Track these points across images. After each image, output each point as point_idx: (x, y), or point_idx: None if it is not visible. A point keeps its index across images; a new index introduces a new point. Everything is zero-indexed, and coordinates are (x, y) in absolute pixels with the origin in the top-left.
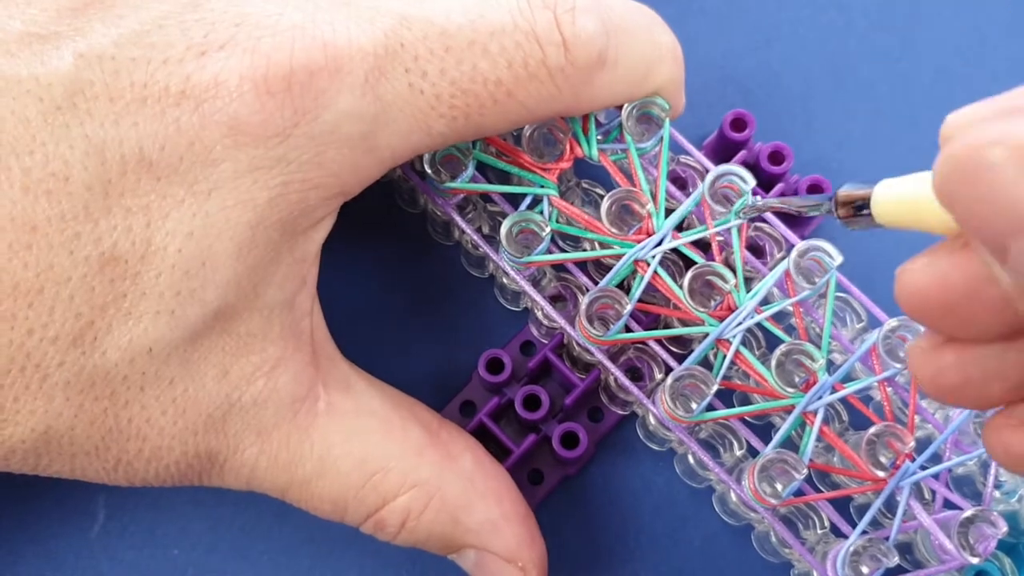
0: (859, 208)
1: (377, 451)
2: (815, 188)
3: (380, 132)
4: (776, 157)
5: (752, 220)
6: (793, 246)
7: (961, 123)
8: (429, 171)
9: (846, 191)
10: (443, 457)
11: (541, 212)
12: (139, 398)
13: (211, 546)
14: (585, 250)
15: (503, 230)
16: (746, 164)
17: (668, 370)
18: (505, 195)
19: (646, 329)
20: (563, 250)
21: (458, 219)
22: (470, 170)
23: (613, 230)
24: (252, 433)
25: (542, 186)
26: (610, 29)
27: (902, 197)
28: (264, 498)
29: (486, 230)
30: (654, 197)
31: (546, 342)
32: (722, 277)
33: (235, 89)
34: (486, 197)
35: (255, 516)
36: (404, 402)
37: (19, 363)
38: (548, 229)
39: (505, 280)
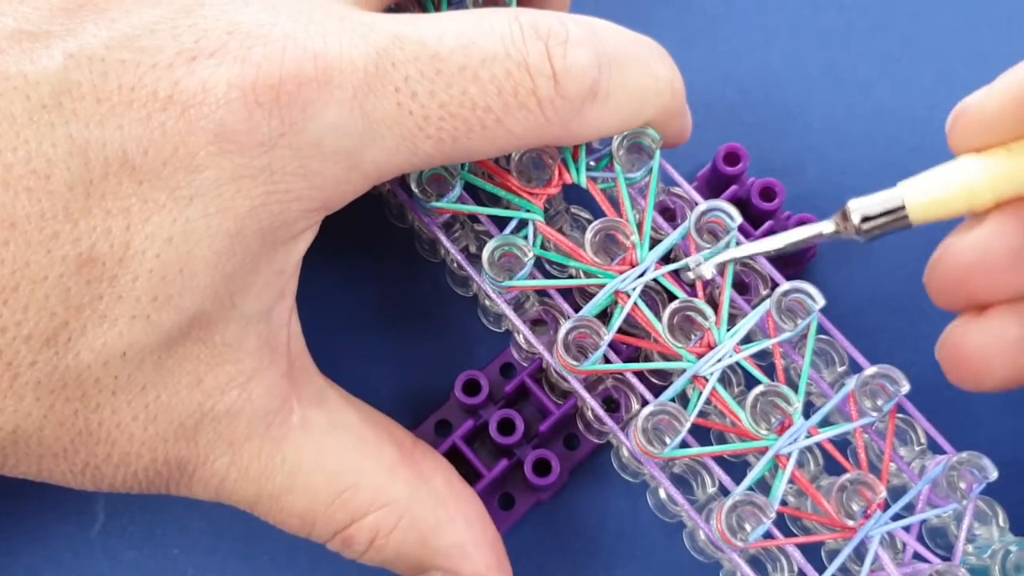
0: (886, 216)
1: (349, 468)
2: (767, 192)
3: (366, 149)
4: (767, 193)
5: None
6: (778, 285)
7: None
8: (416, 191)
9: (862, 204)
10: (415, 477)
11: (525, 236)
12: (110, 402)
13: (211, 546)
14: (570, 276)
15: (485, 254)
16: (738, 199)
17: (645, 402)
18: (492, 217)
19: (626, 360)
20: (549, 275)
21: (443, 238)
22: (457, 190)
23: (596, 259)
24: (224, 443)
25: (528, 210)
26: (603, 62)
27: (935, 192)
28: None
29: (473, 249)
30: (640, 228)
31: (525, 365)
32: (702, 313)
33: (223, 96)
34: (474, 217)
35: (255, 516)
36: (379, 420)
37: None
38: (531, 254)
39: (487, 302)
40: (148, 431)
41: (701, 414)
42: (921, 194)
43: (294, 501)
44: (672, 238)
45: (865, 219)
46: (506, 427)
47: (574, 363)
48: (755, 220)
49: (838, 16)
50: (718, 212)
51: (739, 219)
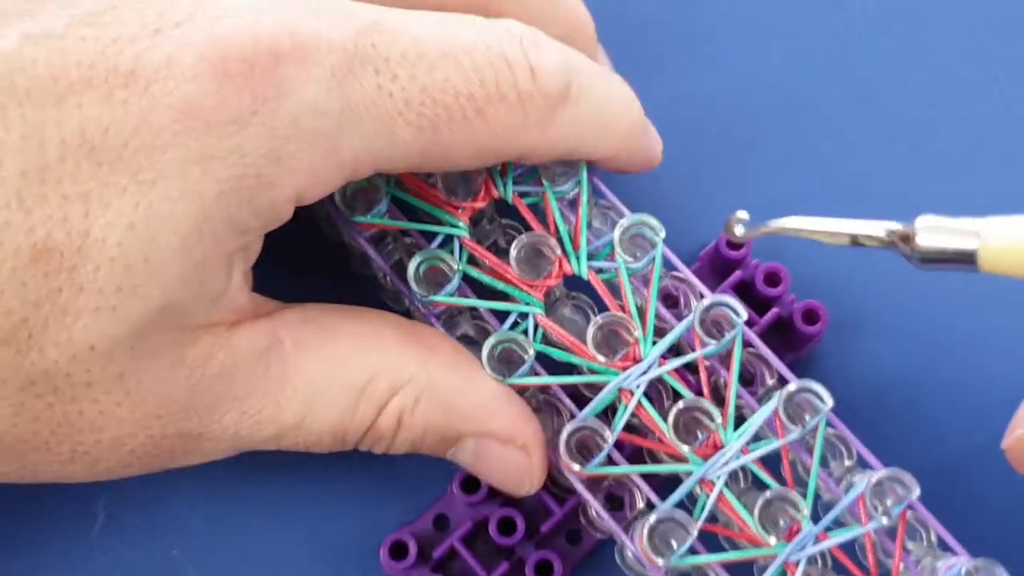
0: (953, 252)
1: (358, 367)
2: (811, 315)
3: (343, 132)
4: (772, 278)
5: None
6: (783, 378)
7: None
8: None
9: (932, 225)
10: (424, 350)
11: (525, 331)
12: (87, 393)
13: (211, 546)
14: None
15: (485, 350)
16: (742, 283)
17: (649, 501)
18: (493, 312)
19: (629, 456)
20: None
21: (438, 326)
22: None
23: (599, 357)
24: (226, 400)
25: (528, 303)
26: (571, 67)
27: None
28: (264, 498)
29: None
30: (643, 322)
31: None
32: (709, 415)
33: (189, 69)
34: (474, 310)
35: (255, 516)
36: (368, 312)
37: None
38: (532, 352)
39: None
40: (136, 413)
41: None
42: (1005, 239)
43: (319, 420)
44: (676, 332)
45: (927, 250)
46: (507, 527)
47: (578, 467)
48: (759, 306)
49: (838, 16)
50: (723, 307)
51: (745, 315)
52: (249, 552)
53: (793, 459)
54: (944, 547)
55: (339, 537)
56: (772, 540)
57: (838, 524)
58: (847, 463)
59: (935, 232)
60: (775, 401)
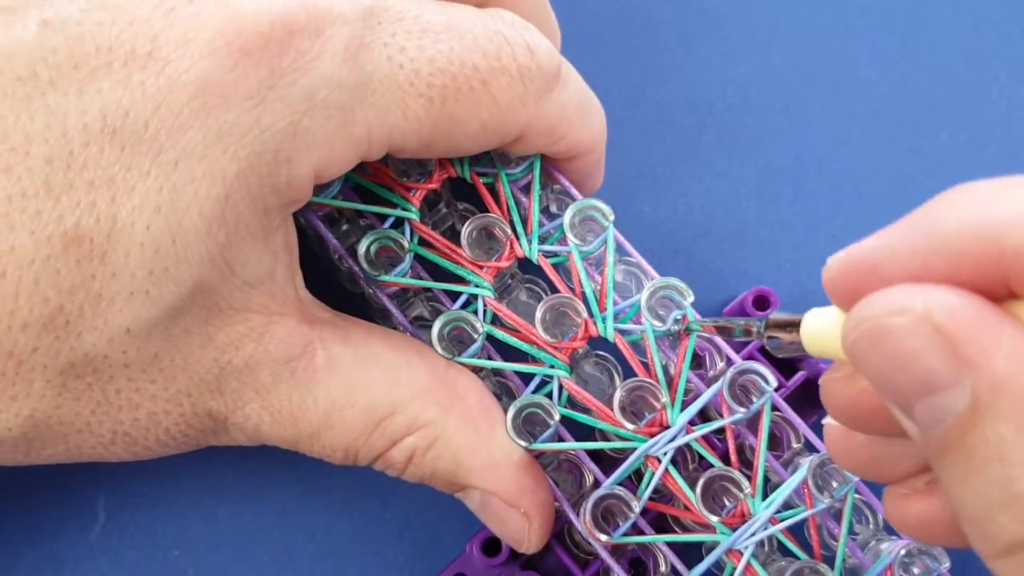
0: (789, 338)
1: (382, 399)
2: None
3: (358, 105)
4: None
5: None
6: (808, 441)
7: (839, 268)
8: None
9: (776, 317)
10: (448, 398)
11: (549, 394)
12: (124, 373)
13: (211, 546)
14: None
15: (509, 414)
16: None
17: (673, 568)
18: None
19: (650, 519)
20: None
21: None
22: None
23: (627, 424)
24: (250, 391)
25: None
26: (559, 54)
27: (827, 331)
28: (264, 498)
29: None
30: (671, 388)
31: None
32: (738, 485)
33: (206, 46)
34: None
35: (255, 516)
36: (409, 345)
37: None
38: (558, 417)
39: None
40: (169, 390)
41: None
42: (818, 324)
43: (334, 437)
44: (703, 399)
45: (770, 336)
46: None
47: (605, 537)
48: (785, 367)
49: (838, 16)
50: (753, 374)
51: (774, 382)
52: (249, 552)
53: (820, 525)
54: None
55: (341, 536)
56: None
57: None
58: (871, 528)
59: (776, 320)
60: (804, 470)
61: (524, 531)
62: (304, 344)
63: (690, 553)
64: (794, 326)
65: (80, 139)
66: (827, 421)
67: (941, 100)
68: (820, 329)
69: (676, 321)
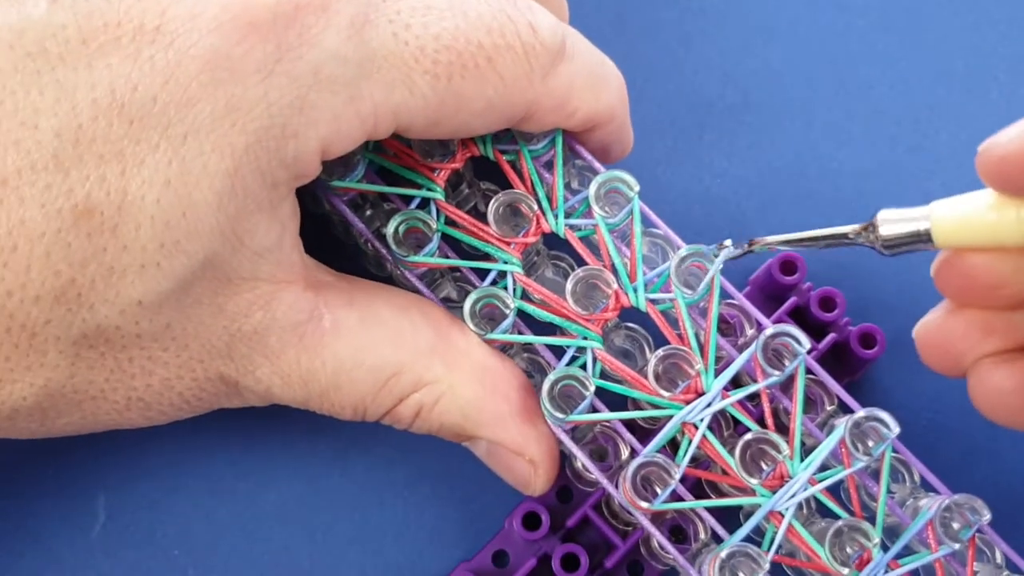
0: (911, 234)
1: (388, 358)
2: (867, 339)
3: (364, 81)
4: (827, 303)
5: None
6: (843, 403)
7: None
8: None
9: (891, 214)
10: (453, 355)
11: (583, 366)
12: (136, 342)
13: (211, 546)
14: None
15: (545, 386)
16: (797, 308)
17: (714, 533)
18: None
19: (688, 486)
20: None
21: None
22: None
23: (663, 392)
24: (259, 356)
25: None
26: (564, 29)
27: (967, 217)
28: (264, 498)
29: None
30: (703, 353)
31: (583, 487)
32: (775, 446)
33: (214, 20)
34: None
35: (255, 516)
36: (413, 303)
37: (3, 325)
38: (592, 389)
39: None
40: (181, 357)
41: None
42: (950, 217)
43: (343, 396)
44: (737, 364)
45: (888, 236)
46: (570, 562)
47: (646, 504)
48: (814, 331)
49: (838, 16)
50: (786, 337)
51: (808, 344)
52: (249, 552)
53: (858, 485)
54: (1013, 567)
55: (341, 536)
56: (845, 571)
57: (908, 551)
58: (909, 486)
59: (893, 222)
60: (841, 430)
61: (530, 477)
62: (310, 310)
63: (727, 520)
64: (920, 227)
65: (89, 113)
66: (924, 320)
67: (941, 100)
68: (960, 216)
69: (736, 245)
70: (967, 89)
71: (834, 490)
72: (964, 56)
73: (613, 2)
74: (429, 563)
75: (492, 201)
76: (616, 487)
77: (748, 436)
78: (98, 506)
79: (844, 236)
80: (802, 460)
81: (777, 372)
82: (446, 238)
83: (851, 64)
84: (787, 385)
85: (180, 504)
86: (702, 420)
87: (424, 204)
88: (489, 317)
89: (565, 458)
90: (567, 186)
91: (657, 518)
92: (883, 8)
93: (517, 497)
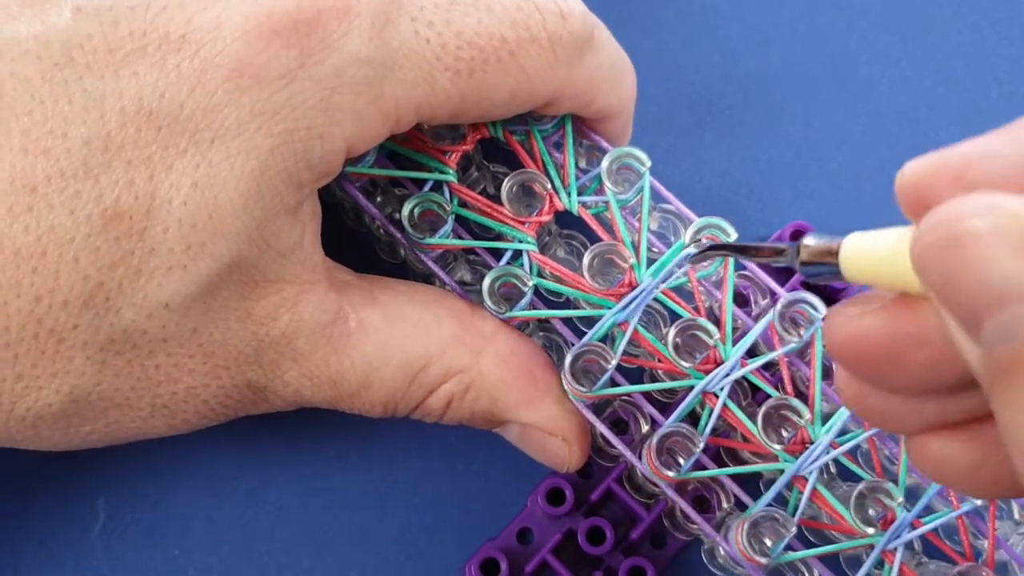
0: (825, 260)
1: (416, 353)
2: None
3: (386, 81)
4: None
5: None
6: None
7: (921, 173)
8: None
9: (813, 241)
10: (478, 343)
11: (604, 339)
12: (163, 348)
13: (211, 546)
14: (646, 380)
15: (567, 360)
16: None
17: (737, 500)
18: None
19: (710, 455)
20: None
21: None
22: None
23: (683, 363)
24: (287, 360)
25: (521, 240)
26: (593, 18)
27: (872, 253)
28: (264, 498)
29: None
30: (721, 325)
31: (604, 462)
32: (797, 412)
33: (238, 29)
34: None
35: (255, 516)
36: (434, 297)
37: (31, 330)
38: (614, 362)
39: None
40: (208, 364)
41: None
42: (861, 247)
43: (374, 394)
44: (755, 332)
45: (804, 261)
46: (596, 536)
47: (672, 474)
48: (826, 299)
49: (838, 16)
50: (802, 304)
51: (824, 310)
52: (249, 552)
53: (879, 446)
54: None
55: (341, 536)
56: (870, 530)
57: (929, 511)
58: None
59: (811, 245)
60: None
61: (566, 454)
62: (336, 310)
63: (748, 488)
64: (832, 253)
65: (117, 120)
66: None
67: (941, 100)
68: (866, 251)
69: (698, 244)
70: (967, 89)
71: (854, 454)
72: (964, 56)
73: (613, 2)
74: (429, 563)
75: (506, 181)
76: (640, 459)
77: (771, 402)
78: (98, 506)
79: (777, 255)
80: (823, 424)
81: (794, 339)
82: (459, 220)
83: (851, 64)
84: (801, 354)
85: (180, 504)
86: (722, 389)
87: (437, 187)
88: (506, 297)
89: None
90: (575, 165)
91: (680, 488)
92: (883, 8)
93: (518, 497)
